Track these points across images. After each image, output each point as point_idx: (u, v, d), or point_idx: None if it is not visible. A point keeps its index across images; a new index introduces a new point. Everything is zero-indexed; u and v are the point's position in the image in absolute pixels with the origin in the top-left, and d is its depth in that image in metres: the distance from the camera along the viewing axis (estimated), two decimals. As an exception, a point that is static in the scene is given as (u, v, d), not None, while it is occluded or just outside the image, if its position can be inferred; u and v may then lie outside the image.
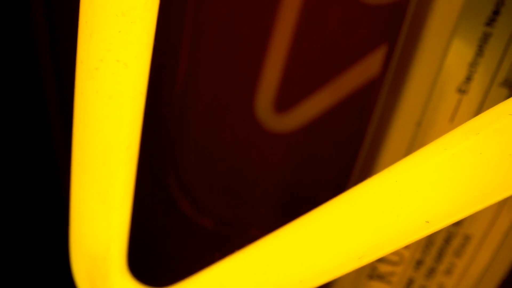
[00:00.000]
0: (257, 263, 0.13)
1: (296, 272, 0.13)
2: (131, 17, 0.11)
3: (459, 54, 0.19)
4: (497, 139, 0.10)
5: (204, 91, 0.35)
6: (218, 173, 0.39)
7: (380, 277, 0.26)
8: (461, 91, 0.20)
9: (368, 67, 0.33)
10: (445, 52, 0.20)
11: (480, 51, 0.19)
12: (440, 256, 0.24)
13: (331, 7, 0.32)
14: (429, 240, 0.24)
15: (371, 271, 0.26)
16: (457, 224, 0.23)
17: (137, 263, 0.27)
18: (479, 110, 0.20)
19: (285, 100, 0.36)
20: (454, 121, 0.20)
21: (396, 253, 0.25)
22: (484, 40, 0.19)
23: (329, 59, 0.34)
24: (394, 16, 0.31)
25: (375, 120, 0.24)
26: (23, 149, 0.41)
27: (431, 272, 0.25)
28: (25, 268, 0.46)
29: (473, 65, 0.19)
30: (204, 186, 0.39)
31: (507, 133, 0.10)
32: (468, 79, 0.20)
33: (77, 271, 0.16)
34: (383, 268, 0.26)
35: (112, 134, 0.13)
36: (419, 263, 0.25)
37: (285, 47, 0.34)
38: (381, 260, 0.25)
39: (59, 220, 0.44)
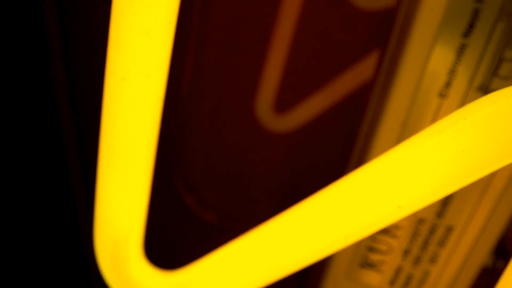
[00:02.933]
0: (256, 246, 0.15)
1: (295, 252, 0.15)
2: (154, 36, 0.13)
3: (440, 62, 0.21)
4: (456, 138, 0.12)
5: (208, 94, 0.36)
6: (221, 171, 0.39)
7: (371, 266, 0.27)
8: (442, 95, 0.21)
9: (362, 71, 0.34)
10: (427, 60, 0.21)
11: (458, 59, 0.21)
12: (425, 245, 0.26)
13: (327, 14, 0.33)
14: (415, 232, 0.25)
15: (363, 260, 0.27)
16: (440, 216, 0.24)
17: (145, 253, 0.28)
18: (458, 112, 0.22)
19: (284, 102, 0.36)
20: (435, 122, 0.22)
21: (386, 243, 0.26)
22: (461, 50, 0.20)
23: (326, 63, 0.35)
24: (386, 22, 0.32)
25: (367, 121, 0.26)
26: (33, 150, 0.41)
27: (417, 260, 0.26)
28: (31, 267, 0.47)
29: (452, 72, 0.21)
30: (208, 183, 0.39)
31: (462, 133, 0.12)
32: (448, 84, 0.21)
33: (100, 253, 0.18)
34: (374, 257, 0.27)
35: (135, 134, 0.15)
36: (406, 252, 0.26)
37: (284, 53, 0.35)
38: (371, 250, 0.27)
39: (69, 219, 0.44)
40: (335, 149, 0.34)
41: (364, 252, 0.27)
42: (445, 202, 0.24)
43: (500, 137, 0.13)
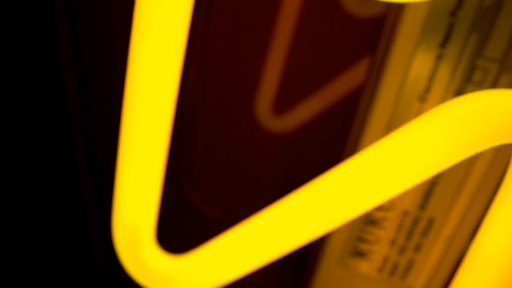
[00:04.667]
0: (256, 229, 0.17)
1: (292, 233, 0.17)
2: (169, 42, 0.15)
3: (420, 69, 0.23)
4: (423, 140, 0.14)
5: (211, 96, 0.37)
6: (223, 168, 0.40)
7: (361, 255, 0.29)
8: (422, 99, 0.23)
9: (354, 76, 0.35)
10: (408, 67, 0.23)
11: (436, 67, 0.23)
12: (409, 236, 0.27)
13: (323, 23, 0.33)
14: (400, 223, 0.27)
15: (353, 249, 0.29)
16: (423, 208, 0.26)
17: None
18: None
19: (282, 104, 0.37)
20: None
21: (374, 234, 0.28)
22: (439, 59, 0.23)
23: (321, 68, 0.35)
24: (376, 31, 0.33)
25: (357, 122, 0.27)
26: (43, 149, 0.41)
27: (403, 249, 0.28)
28: (38, 265, 0.48)
29: (431, 78, 0.23)
30: (211, 180, 0.40)
31: (425, 136, 0.14)
32: (427, 89, 0.23)
33: (118, 239, 0.20)
34: (363, 247, 0.29)
35: (151, 134, 0.17)
36: (392, 242, 0.28)
37: (282, 58, 0.35)
38: (361, 240, 0.28)
39: (78, 217, 0.44)
40: (328, 147, 0.35)
41: (354, 242, 0.29)
42: (427, 196, 0.26)
43: (462, 134, 0.15)
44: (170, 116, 0.18)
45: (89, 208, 0.44)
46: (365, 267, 0.29)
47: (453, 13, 0.21)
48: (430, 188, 0.26)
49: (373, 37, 0.31)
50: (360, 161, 0.17)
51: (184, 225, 0.41)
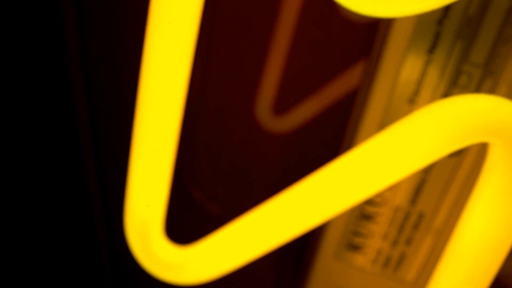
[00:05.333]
0: (259, 219, 0.19)
1: (292, 222, 0.18)
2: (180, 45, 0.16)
3: (410, 74, 0.24)
4: (407, 138, 0.16)
5: (214, 98, 0.38)
6: (225, 166, 0.41)
7: (356, 248, 0.30)
8: (411, 101, 0.25)
9: (350, 79, 0.36)
10: (399, 72, 0.24)
11: (425, 72, 0.24)
12: (401, 230, 0.29)
13: (320, 28, 0.34)
14: (392, 218, 0.29)
15: (349, 243, 0.30)
16: (413, 204, 0.28)
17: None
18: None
19: (281, 105, 0.38)
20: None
21: (368, 228, 0.29)
22: (427, 64, 0.24)
23: (319, 71, 0.36)
24: (371, 36, 0.33)
25: (352, 122, 0.29)
26: (50, 148, 0.41)
27: (395, 243, 0.30)
28: (48, 264, 0.48)
29: (420, 82, 0.24)
30: (213, 178, 0.41)
31: (409, 135, 0.16)
32: (416, 92, 0.25)
33: (129, 231, 0.21)
34: (358, 240, 0.30)
35: (162, 132, 0.18)
36: (385, 236, 0.29)
37: (281, 61, 0.36)
38: (356, 234, 0.30)
39: (87, 216, 0.45)
40: (326, 146, 0.36)
41: (350, 236, 0.30)
42: (417, 192, 0.28)
43: (442, 133, 0.17)
44: (178, 119, 0.19)
45: (95, 206, 0.45)
46: (359, 259, 0.31)
47: (440, 22, 0.23)
48: (420, 185, 0.27)
49: (368, 42, 0.31)
50: (351, 158, 0.18)
51: (187, 220, 0.42)
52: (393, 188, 0.28)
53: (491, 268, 0.18)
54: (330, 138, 0.36)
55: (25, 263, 0.48)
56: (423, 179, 0.27)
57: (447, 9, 0.23)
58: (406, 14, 0.15)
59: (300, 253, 0.36)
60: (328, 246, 0.31)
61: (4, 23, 0.36)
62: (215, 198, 0.41)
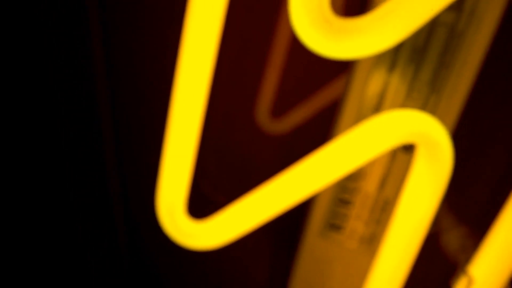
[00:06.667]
0: (263, 194, 0.26)
1: (289, 194, 0.25)
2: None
3: (374, 89, 0.31)
4: (358, 137, 0.23)
5: (219, 103, 0.41)
6: (229, 162, 0.44)
7: (336, 227, 0.37)
8: (376, 110, 0.32)
9: (339, 87, 0.38)
10: (365, 87, 0.31)
11: (386, 88, 0.31)
12: (372, 212, 0.36)
13: None
14: (364, 203, 0.36)
15: (329, 223, 0.37)
16: (380, 191, 0.35)
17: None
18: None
19: (279, 109, 0.41)
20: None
21: (345, 211, 0.36)
22: (387, 82, 0.31)
23: (313, 78, 0.39)
24: None
25: (334, 126, 0.35)
26: (74, 146, 0.45)
27: (367, 223, 0.36)
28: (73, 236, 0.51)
29: (382, 96, 0.31)
30: (219, 173, 0.45)
31: (359, 136, 0.23)
32: (380, 104, 0.32)
33: (161, 210, 0.28)
34: (337, 221, 0.37)
35: (188, 131, 0.25)
36: (359, 217, 0.36)
37: (279, 70, 0.39)
38: (335, 216, 0.37)
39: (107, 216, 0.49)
40: (316, 145, 0.35)
41: (331, 218, 0.37)
42: (384, 181, 0.34)
43: (379, 137, 0.24)
44: (201, 121, 0.26)
45: (115, 196, 0.49)
46: (339, 237, 0.37)
47: (397, 50, 0.30)
48: (385, 176, 0.34)
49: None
50: (324, 151, 0.25)
51: (196, 208, 0.45)
52: (365, 179, 0.35)
53: (418, 232, 0.25)
54: (319, 138, 0.37)
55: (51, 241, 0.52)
56: (388, 172, 0.34)
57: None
58: (358, 57, 0.22)
59: (291, 233, 0.41)
60: (314, 226, 0.38)
61: (38, 38, 0.39)
62: (220, 190, 0.45)
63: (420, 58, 0.30)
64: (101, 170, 0.47)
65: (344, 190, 0.36)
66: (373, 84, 0.31)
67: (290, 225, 0.41)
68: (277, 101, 0.40)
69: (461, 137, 0.31)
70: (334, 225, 0.37)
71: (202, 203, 0.45)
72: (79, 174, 0.47)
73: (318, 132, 0.39)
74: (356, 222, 0.36)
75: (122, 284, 0.56)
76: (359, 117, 0.32)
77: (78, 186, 0.48)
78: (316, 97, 0.40)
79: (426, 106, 0.31)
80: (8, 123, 0.44)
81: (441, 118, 0.30)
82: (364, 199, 0.35)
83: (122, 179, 0.49)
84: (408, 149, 0.32)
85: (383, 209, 0.35)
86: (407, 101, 0.31)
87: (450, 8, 0.28)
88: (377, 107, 0.32)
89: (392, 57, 0.30)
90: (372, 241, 0.37)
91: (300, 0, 0.20)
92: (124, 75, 0.42)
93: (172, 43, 0.36)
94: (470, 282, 0.25)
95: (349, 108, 0.33)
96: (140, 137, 0.46)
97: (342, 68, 0.38)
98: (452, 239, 0.31)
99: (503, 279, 0.25)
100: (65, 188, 0.48)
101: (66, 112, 0.43)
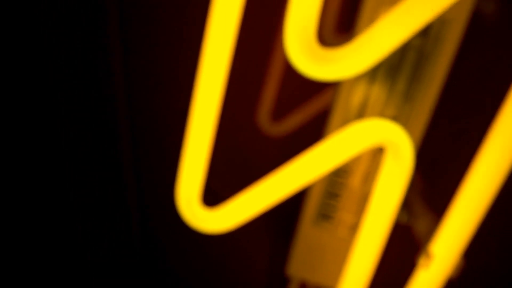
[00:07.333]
0: (266, 184, 0.31)
1: (288, 183, 0.30)
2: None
3: (358, 100, 0.37)
4: (339, 140, 0.29)
5: (225, 107, 0.40)
6: (232, 162, 0.48)
7: (327, 217, 0.42)
8: (359, 116, 0.38)
9: (330, 96, 0.42)
10: (350, 98, 0.37)
11: (367, 98, 0.37)
12: (358, 203, 0.41)
13: None
14: (352, 195, 0.41)
15: (322, 213, 0.42)
16: (365, 184, 0.40)
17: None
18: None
19: (279, 114, 0.43)
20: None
21: (334, 203, 0.42)
22: (368, 94, 0.37)
23: (311, 85, 0.41)
24: None
25: (326, 129, 0.41)
26: (90, 146, 0.47)
27: (355, 213, 0.42)
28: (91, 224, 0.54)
29: (364, 105, 0.37)
30: (225, 170, 0.48)
31: (340, 139, 0.29)
32: (362, 111, 0.37)
33: (180, 200, 0.34)
34: (329, 212, 0.42)
35: (205, 131, 0.31)
36: (348, 209, 0.42)
37: (279, 77, 0.42)
38: (327, 207, 0.42)
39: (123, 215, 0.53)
40: (310, 146, 0.38)
41: (323, 209, 0.42)
42: (367, 177, 0.40)
43: (361, 138, 0.29)
44: (215, 126, 0.32)
45: (130, 189, 0.52)
46: (330, 225, 0.43)
47: (376, 67, 0.36)
48: (368, 173, 0.40)
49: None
50: (314, 151, 0.31)
51: (205, 203, 0.46)
52: (351, 175, 0.40)
53: (389, 214, 0.31)
54: (313, 139, 0.40)
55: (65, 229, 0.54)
56: (370, 169, 0.40)
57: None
58: (338, 79, 0.28)
59: (288, 223, 0.46)
60: (308, 216, 0.43)
61: (59, 44, 0.41)
62: (226, 186, 0.45)
63: (395, 74, 0.35)
64: (117, 166, 0.51)
65: (333, 184, 0.41)
66: (356, 95, 0.37)
67: (287, 215, 0.46)
68: (277, 108, 0.43)
69: (430, 137, 0.37)
70: (325, 215, 0.42)
71: (210, 197, 0.50)
72: (96, 170, 0.50)
73: (312, 134, 0.42)
74: (344, 212, 0.42)
75: (133, 271, 0.59)
76: (346, 122, 0.38)
77: (95, 180, 0.50)
78: (310, 104, 0.43)
79: (401, 113, 0.36)
80: (36, 124, 0.47)
81: (414, 122, 0.36)
82: (350, 193, 0.41)
83: (137, 175, 0.53)
84: (386, 150, 0.38)
85: (364, 201, 0.41)
86: (385, 109, 0.37)
87: (418, 34, 0.33)
88: (361, 114, 0.37)
89: (372, 73, 0.36)
90: (354, 228, 0.42)
91: (292, 33, 0.25)
92: (140, 75, 0.44)
93: (187, 43, 0.40)
94: (429, 257, 0.31)
95: (337, 115, 0.38)
96: (155, 133, 0.50)
97: (331, 82, 0.41)
98: (422, 224, 0.36)
99: (456, 254, 0.31)
100: (82, 182, 0.50)
101: (84, 108, 0.45)
